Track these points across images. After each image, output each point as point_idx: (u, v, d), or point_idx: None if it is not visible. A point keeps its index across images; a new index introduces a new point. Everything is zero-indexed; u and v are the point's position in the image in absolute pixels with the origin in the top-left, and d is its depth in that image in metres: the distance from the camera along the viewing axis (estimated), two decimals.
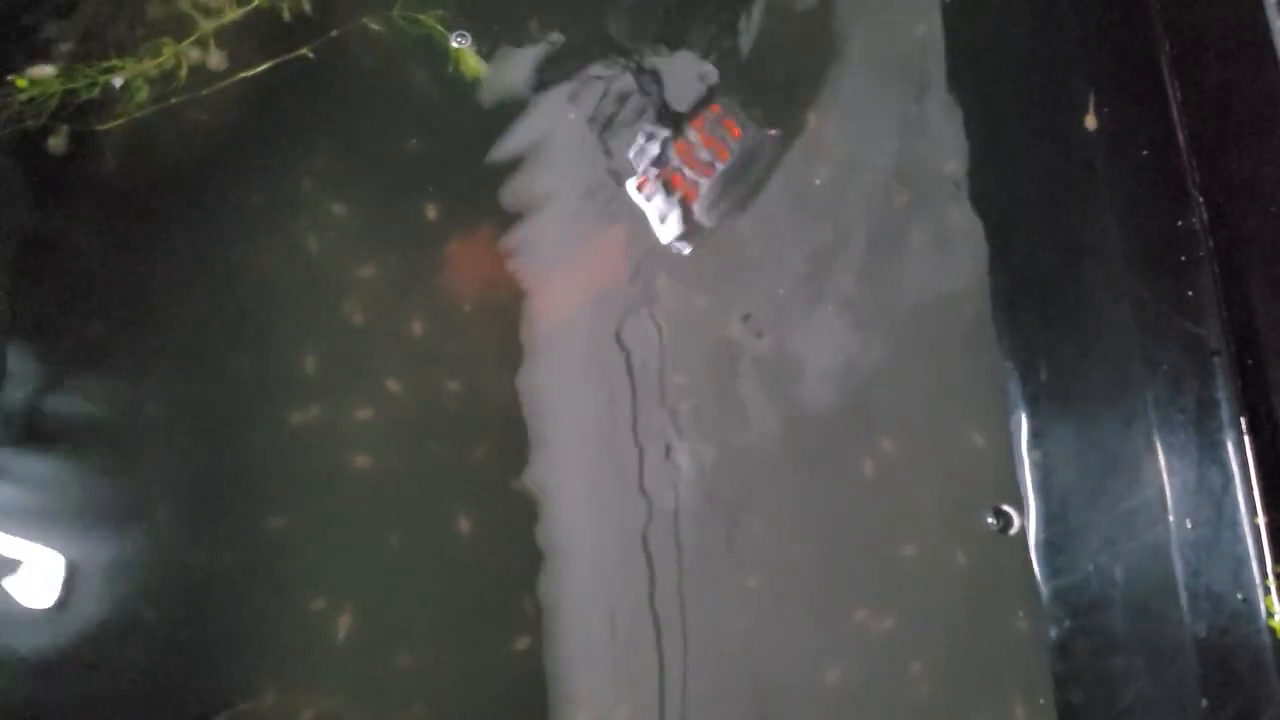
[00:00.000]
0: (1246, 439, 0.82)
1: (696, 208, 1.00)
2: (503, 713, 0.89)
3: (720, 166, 1.00)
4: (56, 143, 0.93)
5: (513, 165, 1.02)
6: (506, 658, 0.90)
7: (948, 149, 1.02)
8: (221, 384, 0.94)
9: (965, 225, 1.01)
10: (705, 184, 1.00)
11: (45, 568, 0.87)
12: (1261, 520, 0.80)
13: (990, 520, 0.93)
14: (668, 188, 1.00)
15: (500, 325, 0.98)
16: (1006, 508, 0.93)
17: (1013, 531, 0.93)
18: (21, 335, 0.92)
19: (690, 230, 1.00)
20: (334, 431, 0.94)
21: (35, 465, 0.90)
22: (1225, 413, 0.83)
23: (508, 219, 1.01)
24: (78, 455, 0.90)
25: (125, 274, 0.95)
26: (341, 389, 0.95)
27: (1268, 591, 0.81)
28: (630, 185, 1.01)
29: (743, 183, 1.01)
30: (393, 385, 0.95)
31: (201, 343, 0.94)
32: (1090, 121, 0.89)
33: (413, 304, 0.98)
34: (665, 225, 0.99)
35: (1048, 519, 0.94)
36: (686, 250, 1.00)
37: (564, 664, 0.90)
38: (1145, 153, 0.86)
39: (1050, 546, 0.94)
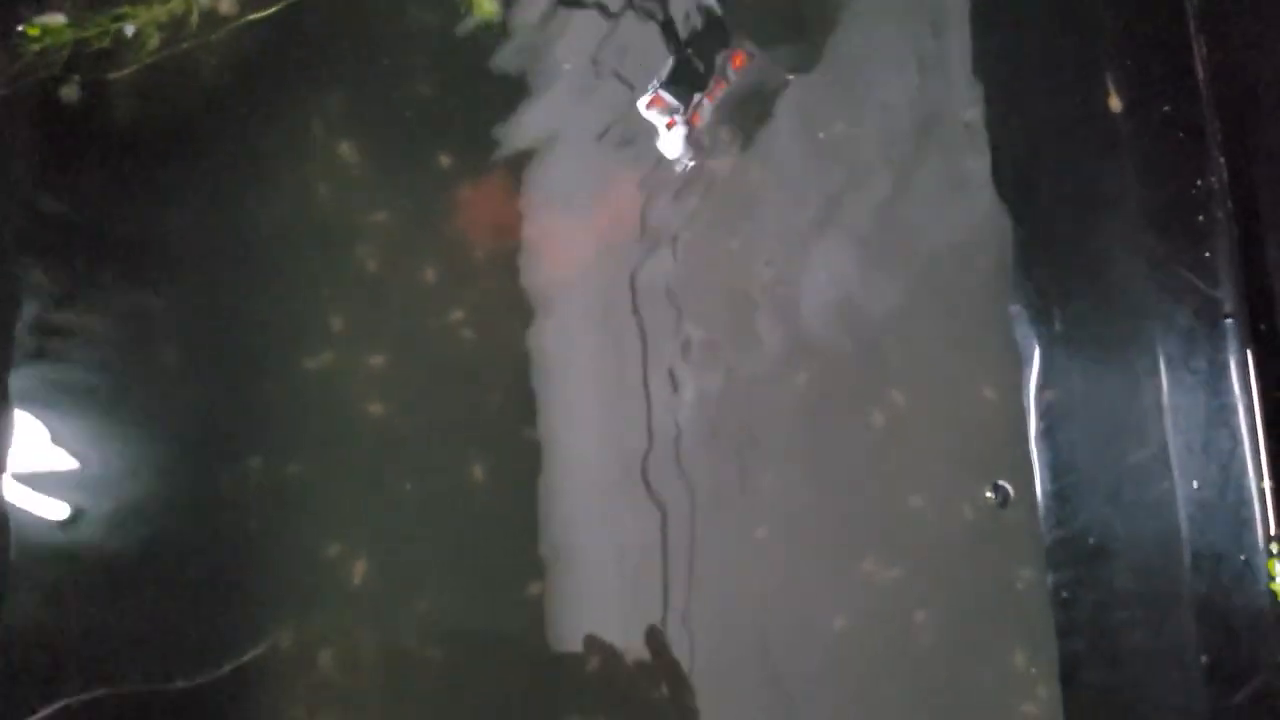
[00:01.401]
0: (1257, 403, 0.81)
1: (703, 128, 0.99)
2: (515, 655, 0.91)
3: (723, 91, 0.99)
4: (69, 92, 0.93)
5: (526, 109, 1.01)
6: (520, 602, 0.92)
7: (967, 96, 1.00)
8: (235, 329, 0.95)
9: (982, 174, 0.99)
10: (709, 106, 0.99)
11: (58, 484, 0.90)
12: (1268, 485, 0.80)
13: (989, 494, 0.94)
14: (676, 106, 0.99)
15: (513, 271, 0.99)
16: (1003, 483, 0.94)
17: (1010, 505, 0.94)
18: (34, 279, 0.94)
19: (698, 151, 0.99)
20: (348, 378, 0.95)
21: (50, 405, 0.92)
22: (1236, 376, 0.82)
23: (520, 163, 1.00)
24: (89, 403, 0.92)
25: (137, 221, 0.96)
26: (355, 335, 0.96)
27: (1270, 555, 0.81)
28: (641, 104, 0.99)
29: (751, 110, 1.00)
30: (406, 332, 0.96)
31: (214, 289, 0.96)
32: (1114, 103, 0.86)
33: (425, 250, 0.98)
34: (674, 147, 0.98)
35: (1054, 471, 0.94)
36: (691, 165, 0.99)
37: (576, 608, 0.92)
38: (1168, 109, 0.84)
39: (1056, 499, 0.95)
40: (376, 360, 0.96)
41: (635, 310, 0.98)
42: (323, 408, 0.94)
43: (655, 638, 0.91)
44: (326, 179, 0.98)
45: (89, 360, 0.93)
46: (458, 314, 0.97)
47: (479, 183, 1.00)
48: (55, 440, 0.91)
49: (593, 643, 0.91)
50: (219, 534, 0.91)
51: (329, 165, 0.99)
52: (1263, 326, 0.80)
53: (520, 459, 0.95)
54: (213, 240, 0.97)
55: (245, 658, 0.88)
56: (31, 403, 0.92)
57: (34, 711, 0.85)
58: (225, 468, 0.92)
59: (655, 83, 0.99)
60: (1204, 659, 0.86)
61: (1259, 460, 0.80)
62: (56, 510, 0.89)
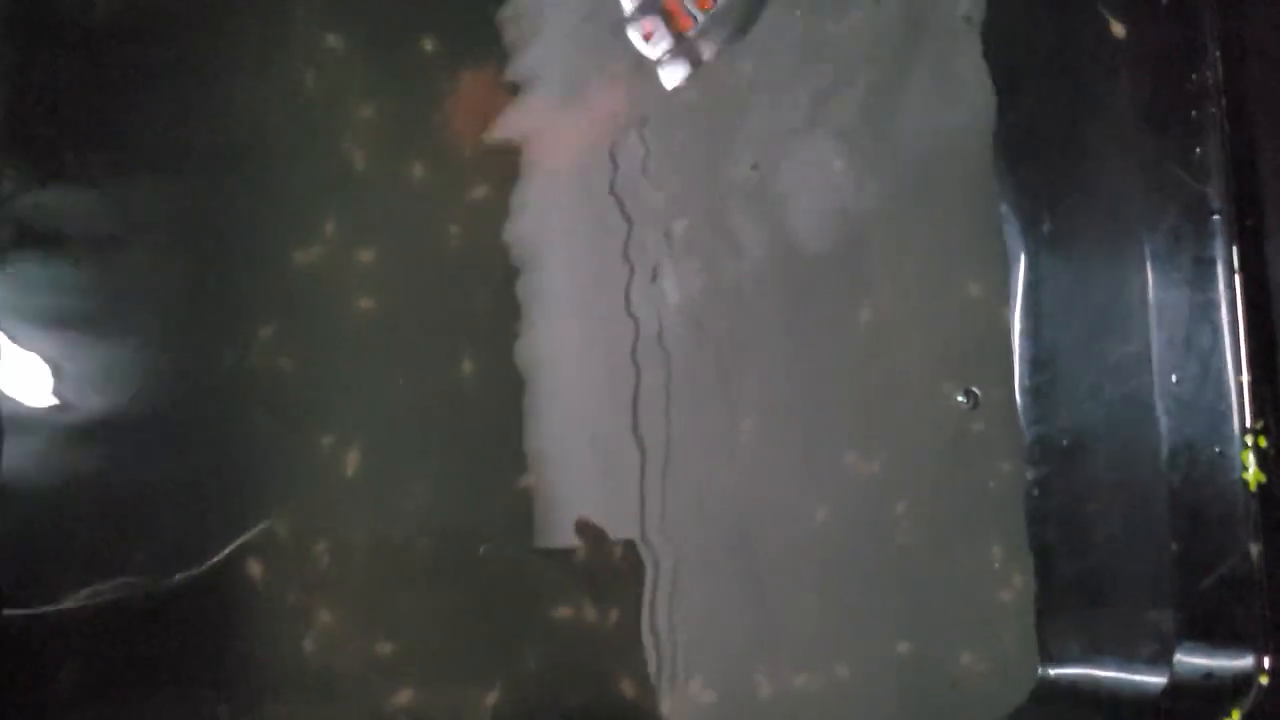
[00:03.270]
0: (1239, 300, 0.82)
1: (694, 37, 0.97)
2: (503, 544, 0.93)
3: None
4: None
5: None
6: (509, 494, 0.94)
7: None
8: (222, 224, 0.95)
9: (974, 70, 0.98)
10: (703, 16, 0.97)
11: (40, 381, 0.90)
12: (1245, 378, 0.82)
13: (960, 399, 0.96)
14: (667, 20, 0.97)
15: (502, 165, 0.98)
16: (974, 388, 0.95)
17: (991, 402, 0.95)
18: (12, 166, 0.92)
19: (688, 60, 0.98)
20: (337, 273, 0.95)
21: (26, 302, 0.92)
22: (1221, 272, 0.83)
23: (508, 56, 0.99)
24: (70, 300, 0.92)
25: (119, 115, 0.94)
26: (343, 231, 0.96)
27: (1244, 446, 0.83)
28: (631, 31, 0.98)
29: (742, 15, 0.98)
30: (394, 228, 0.96)
31: (200, 184, 0.95)
32: (1117, 29, 0.85)
33: (413, 145, 0.97)
34: (664, 58, 0.97)
35: (1036, 368, 0.96)
36: (685, 78, 0.98)
37: (563, 500, 0.94)
38: (1165, 2, 0.83)
39: (1037, 395, 0.97)
40: (366, 256, 0.96)
41: (622, 206, 0.98)
42: (313, 303, 0.94)
43: (640, 530, 0.94)
44: (310, 70, 0.97)
45: (69, 255, 0.93)
46: (446, 209, 0.97)
47: (466, 76, 0.98)
48: (34, 338, 0.91)
49: (579, 534, 0.94)
50: (210, 426, 0.92)
51: (312, 55, 0.97)
52: (1249, 222, 0.81)
53: (509, 354, 0.95)
54: (196, 133, 0.95)
55: (235, 545, 0.89)
56: (8, 300, 0.91)
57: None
58: (215, 361, 0.93)
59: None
60: (1174, 547, 0.89)
61: (1239, 354, 0.82)
62: (40, 406, 0.89)
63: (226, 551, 0.89)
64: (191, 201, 0.95)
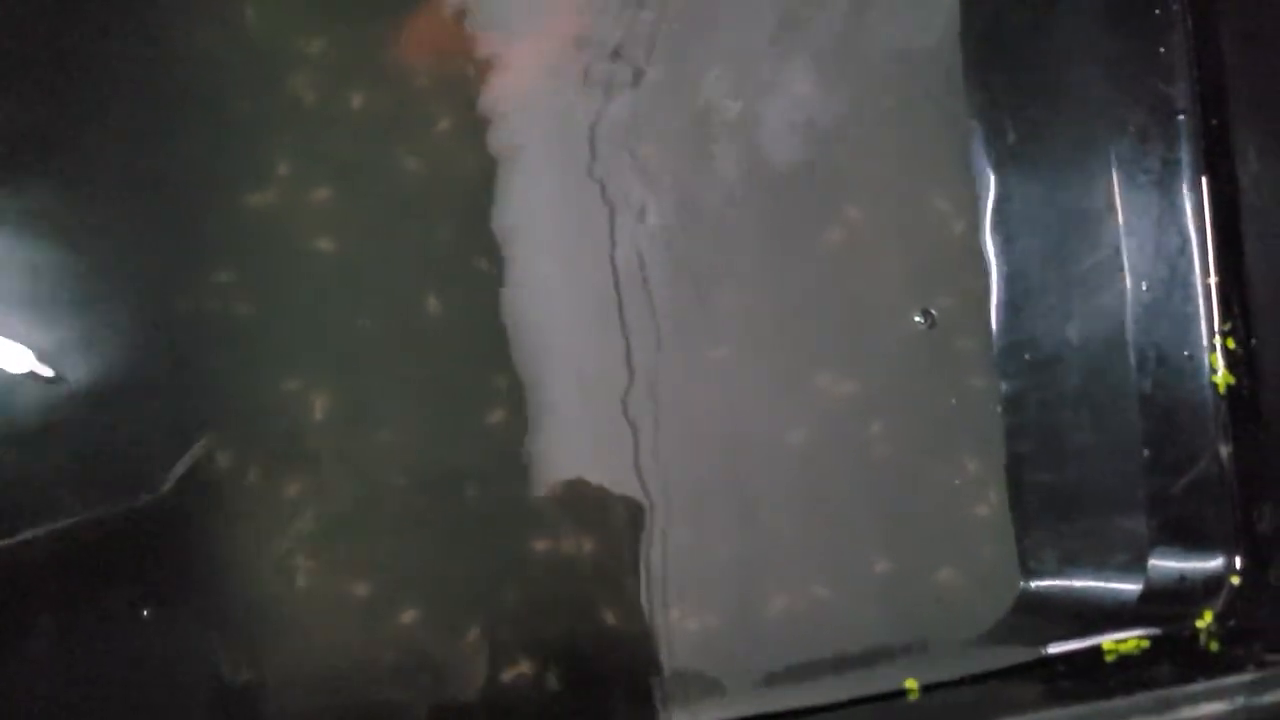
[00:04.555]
0: (1206, 201, 0.83)
1: None
2: (481, 481, 0.92)
3: None
4: None
5: None
6: (481, 429, 0.93)
7: None
8: (171, 170, 0.91)
9: None
10: None
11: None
12: (1213, 280, 0.83)
13: (917, 319, 0.95)
14: None
15: (459, 97, 0.95)
16: (933, 310, 0.95)
17: (963, 315, 0.95)
18: None
19: None
20: (293, 214, 0.93)
21: None
22: (1187, 174, 0.84)
23: None
24: (18, 244, 0.89)
25: (57, 59, 0.90)
26: (297, 170, 0.93)
27: (1213, 349, 0.84)
28: None
29: None
30: (349, 165, 0.93)
31: (145, 128, 0.91)
32: None
33: (365, 79, 0.94)
34: None
35: (1007, 280, 0.96)
36: None
37: (538, 433, 0.93)
38: None
39: (1009, 306, 0.97)
40: (321, 194, 0.93)
41: (588, 126, 0.96)
42: (270, 244, 0.92)
43: (616, 458, 0.93)
44: (252, 4, 0.93)
45: (12, 204, 0.89)
46: (402, 144, 0.94)
47: (419, 3, 0.95)
48: None
49: (555, 467, 0.93)
50: (172, 370, 0.89)
51: None
52: (1214, 122, 0.81)
53: (474, 289, 0.94)
54: (137, 76, 0.92)
55: (180, 468, 0.87)
56: None
57: None
58: (173, 306, 0.90)
59: None
60: (1146, 452, 0.91)
61: (1206, 257, 0.83)
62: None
63: (175, 477, 0.87)
64: (132, 152, 0.91)
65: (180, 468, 0.87)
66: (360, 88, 0.94)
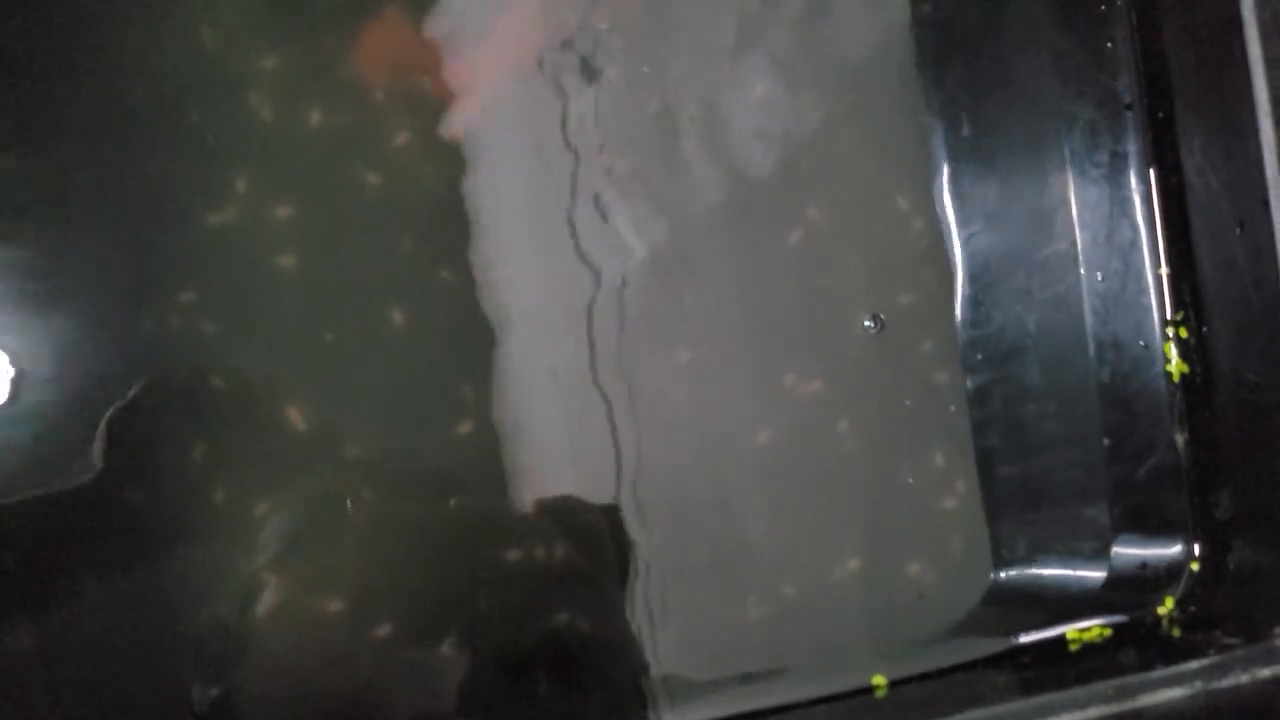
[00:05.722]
0: (1155, 192, 0.84)
1: None
2: (453, 491, 0.92)
3: None
4: None
5: None
6: (452, 440, 0.93)
7: None
8: (130, 190, 0.91)
9: None
10: None
11: None
12: (1164, 271, 0.84)
13: (867, 323, 0.97)
14: None
15: (416, 110, 0.95)
16: (883, 315, 0.96)
17: (927, 312, 0.96)
18: None
19: None
20: (255, 231, 0.92)
21: None
22: (1136, 166, 0.85)
23: None
24: None
25: (11, 79, 0.89)
26: (257, 187, 0.93)
27: (1166, 339, 0.86)
28: None
29: None
30: (309, 180, 0.93)
31: (104, 149, 0.90)
32: None
33: (322, 94, 0.94)
34: None
35: (969, 275, 0.97)
36: None
37: (508, 441, 0.93)
38: None
39: (971, 301, 0.98)
40: (283, 211, 0.93)
41: (552, 134, 0.96)
42: (232, 262, 0.91)
43: (587, 464, 0.93)
44: (206, 23, 0.93)
45: None
46: (361, 158, 0.94)
47: (372, 17, 0.95)
48: None
49: (525, 474, 0.93)
50: (141, 390, 0.89)
51: (208, 6, 0.93)
52: (1160, 114, 0.83)
53: (438, 300, 0.94)
54: (92, 96, 0.91)
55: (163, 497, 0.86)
56: None
57: None
58: (138, 329, 0.89)
59: None
60: (1106, 441, 0.92)
61: (1156, 247, 0.84)
62: None
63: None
64: (90, 172, 0.90)
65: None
66: (318, 103, 0.94)
